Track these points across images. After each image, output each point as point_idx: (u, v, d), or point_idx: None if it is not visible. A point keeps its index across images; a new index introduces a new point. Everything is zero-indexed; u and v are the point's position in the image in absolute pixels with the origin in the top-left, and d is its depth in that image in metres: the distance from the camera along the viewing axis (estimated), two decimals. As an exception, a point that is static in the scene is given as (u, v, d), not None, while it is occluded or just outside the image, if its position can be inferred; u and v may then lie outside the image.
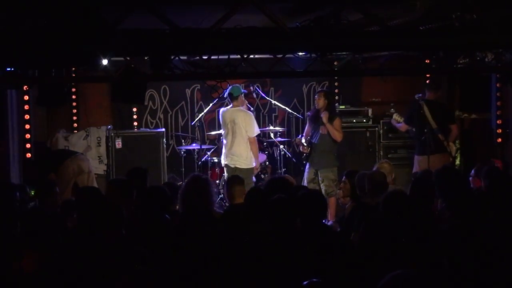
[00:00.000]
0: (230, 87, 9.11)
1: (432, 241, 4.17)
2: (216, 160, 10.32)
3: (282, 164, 10.42)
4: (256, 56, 8.29)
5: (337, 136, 9.06)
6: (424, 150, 8.90)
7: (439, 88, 9.41)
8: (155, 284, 3.62)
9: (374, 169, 7.35)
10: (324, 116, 9.02)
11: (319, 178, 9.06)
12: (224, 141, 9.36)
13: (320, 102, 9.16)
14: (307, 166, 9.29)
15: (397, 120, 9.65)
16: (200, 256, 4.32)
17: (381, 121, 10.81)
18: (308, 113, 10.01)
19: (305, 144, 9.24)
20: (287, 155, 10.59)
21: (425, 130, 8.88)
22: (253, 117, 9.25)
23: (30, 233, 4.50)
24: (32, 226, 4.75)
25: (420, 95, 9.19)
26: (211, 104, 10.55)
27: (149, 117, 11.23)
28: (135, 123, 11.06)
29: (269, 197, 5.26)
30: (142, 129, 10.85)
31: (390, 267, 3.27)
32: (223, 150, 9.38)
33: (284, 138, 10.90)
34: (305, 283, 3.26)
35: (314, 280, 3.31)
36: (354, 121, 10.93)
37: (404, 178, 9.32)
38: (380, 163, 7.80)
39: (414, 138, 9.48)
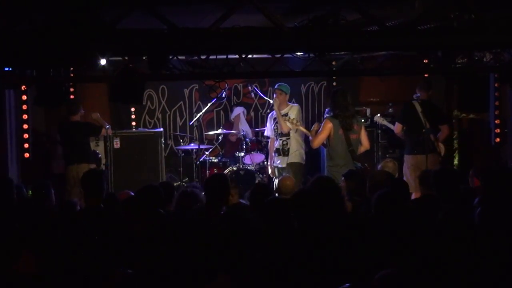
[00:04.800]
0: None
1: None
2: (214, 160, 10.31)
3: (280, 164, 10.40)
4: (255, 56, 8.29)
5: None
6: (422, 149, 8.83)
7: (430, 88, 9.32)
8: (152, 284, 3.62)
9: (378, 167, 7.33)
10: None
11: None
12: None
13: None
14: None
15: (380, 122, 9.64)
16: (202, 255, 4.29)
17: (379, 121, 10.80)
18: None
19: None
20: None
21: (424, 130, 8.83)
22: None
23: (26, 234, 4.48)
24: (28, 226, 4.74)
25: (419, 95, 9.17)
26: (209, 104, 10.56)
27: (147, 117, 11.22)
28: (133, 123, 11.05)
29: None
30: (140, 129, 10.84)
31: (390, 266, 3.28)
32: None
33: (282, 138, 10.87)
34: None
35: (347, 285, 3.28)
36: (353, 120, 10.90)
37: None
38: (384, 162, 7.69)
39: (406, 137, 9.33)
